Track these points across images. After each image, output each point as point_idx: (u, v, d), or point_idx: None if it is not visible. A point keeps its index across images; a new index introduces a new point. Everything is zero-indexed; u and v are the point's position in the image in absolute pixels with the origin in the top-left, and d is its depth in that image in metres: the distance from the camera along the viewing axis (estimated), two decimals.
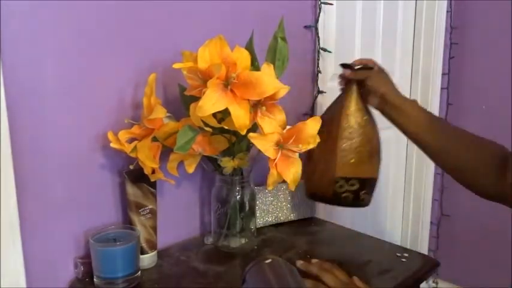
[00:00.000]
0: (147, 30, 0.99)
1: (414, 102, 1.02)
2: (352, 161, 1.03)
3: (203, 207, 1.16)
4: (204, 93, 0.81)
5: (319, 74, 1.40)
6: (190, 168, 0.97)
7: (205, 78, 0.83)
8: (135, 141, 0.91)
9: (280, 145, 0.88)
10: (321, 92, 1.41)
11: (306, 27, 1.35)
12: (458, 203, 2.06)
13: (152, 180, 0.94)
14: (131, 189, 0.95)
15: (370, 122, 1.06)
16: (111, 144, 0.90)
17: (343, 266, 0.89)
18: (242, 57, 0.85)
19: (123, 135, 0.91)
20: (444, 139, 0.98)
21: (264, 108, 0.87)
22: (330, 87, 1.48)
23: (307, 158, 1.07)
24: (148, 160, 0.89)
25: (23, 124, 0.83)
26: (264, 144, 0.87)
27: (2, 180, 0.78)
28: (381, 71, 1.05)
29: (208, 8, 1.09)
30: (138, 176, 0.94)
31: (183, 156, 0.94)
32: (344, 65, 1.06)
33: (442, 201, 2.12)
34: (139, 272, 0.91)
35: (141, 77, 0.96)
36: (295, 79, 1.36)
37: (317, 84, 1.40)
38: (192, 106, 0.84)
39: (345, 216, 1.71)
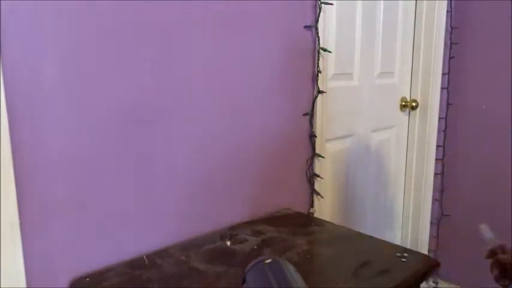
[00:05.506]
0: (147, 29, 0.99)
1: None
2: None
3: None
4: None
5: (319, 74, 1.40)
6: None
7: None
8: None
9: None
10: (321, 92, 1.40)
11: (306, 27, 1.35)
12: (458, 203, 2.05)
13: None
14: None
15: None
16: None
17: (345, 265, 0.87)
18: None
19: None
20: None
21: None
22: (330, 87, 1.49)
23: None
24: None
25: (23, 124, 0.83)
26: None
27: (2, 180, 0.78)
28: None
29: (208, 7, 1.08)
30: None
31: None
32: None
33: (442, 201, 2.12)
34: None
35: (141, 75, 0.96)
36: (295, 79, 1.36)
37: (317, 84, 1.40)
38: None
39: (344, 216, 1.71)
